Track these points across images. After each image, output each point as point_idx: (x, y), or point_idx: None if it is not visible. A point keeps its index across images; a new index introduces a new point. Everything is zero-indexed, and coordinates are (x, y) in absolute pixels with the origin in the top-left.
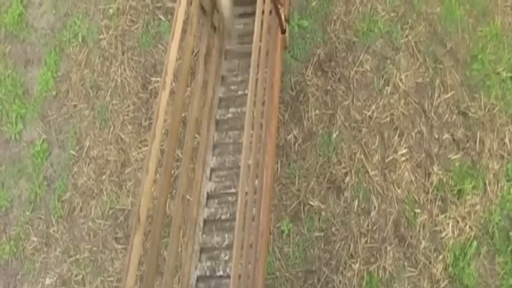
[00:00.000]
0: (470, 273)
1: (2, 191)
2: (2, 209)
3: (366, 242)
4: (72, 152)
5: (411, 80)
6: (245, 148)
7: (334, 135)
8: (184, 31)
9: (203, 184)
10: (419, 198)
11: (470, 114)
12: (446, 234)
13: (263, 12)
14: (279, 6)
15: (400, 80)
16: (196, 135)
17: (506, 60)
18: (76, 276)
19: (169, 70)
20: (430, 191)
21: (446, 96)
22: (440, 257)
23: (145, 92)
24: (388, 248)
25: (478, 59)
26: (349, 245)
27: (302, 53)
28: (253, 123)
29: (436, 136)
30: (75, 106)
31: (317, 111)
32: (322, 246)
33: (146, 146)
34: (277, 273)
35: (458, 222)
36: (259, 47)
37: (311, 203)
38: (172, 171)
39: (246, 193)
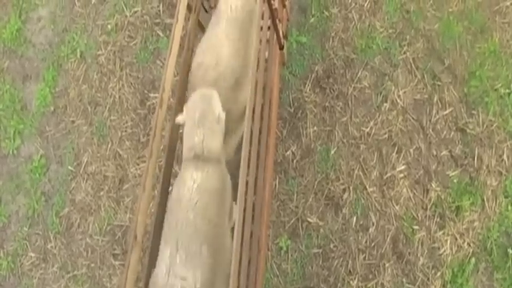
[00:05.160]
0: None
1: (0, 206)
2: None
3: (364, 258)
4: (70, 167)
5: (409, 97)
6: (243, 164)
7: (332, 152)
8: (182, 47)
9: None
10: (417, 215)
11: (468, 130)
12: (445, 251)
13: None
14: (277, 22)
15: (398, 96)
16: None
17: (505, 77)
18: None
19: (166, 86)
20: (428, 207)
21: (445, 112)
22: (439, 273)
23: (144, 108)
24: (387, 265)
25: (476, 76)
26: (348, 262)
27: (300, 69)
28: (251, 139)
29: (434, 153)
30: (73, 122)
31: (315, 128)
32: (321, 262)
33: (144, 162)
34: None
35: (456, 238)
36: (258, 63)
37: (309, 219)
38: (170, 188)
39: (244, 210)
